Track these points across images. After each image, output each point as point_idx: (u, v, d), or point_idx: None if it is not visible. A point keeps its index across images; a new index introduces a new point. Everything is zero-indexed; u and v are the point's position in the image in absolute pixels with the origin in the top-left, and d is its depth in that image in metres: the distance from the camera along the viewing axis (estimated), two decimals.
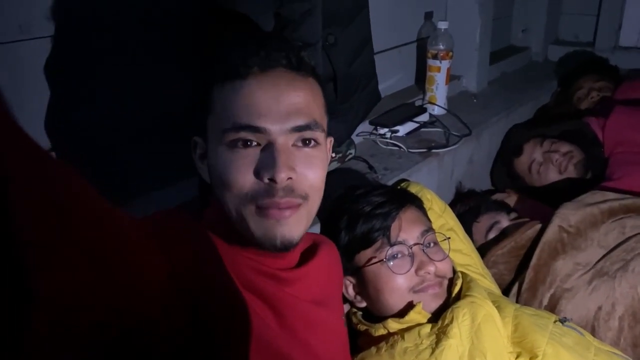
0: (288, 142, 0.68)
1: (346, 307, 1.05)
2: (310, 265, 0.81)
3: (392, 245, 0.99)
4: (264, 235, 0.68)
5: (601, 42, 2.64)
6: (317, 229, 1.10)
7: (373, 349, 0.98)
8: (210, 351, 0.64)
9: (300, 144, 0.69)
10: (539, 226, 1.43)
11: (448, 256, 1.04)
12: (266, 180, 0.66)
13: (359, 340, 1.05)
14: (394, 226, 1.00)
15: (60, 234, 0.36)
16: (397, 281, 0.98)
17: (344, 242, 1.01)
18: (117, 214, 0.45)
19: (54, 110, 0.98)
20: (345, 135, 1.36)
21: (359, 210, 1.02)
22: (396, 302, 0.99)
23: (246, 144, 0.67)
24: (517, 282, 1.37)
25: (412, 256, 0.99)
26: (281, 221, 0.67)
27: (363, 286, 1.02)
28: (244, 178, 0.66)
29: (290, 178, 0.67)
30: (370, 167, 1.41)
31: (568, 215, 1.38)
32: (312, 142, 0.70)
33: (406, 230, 1.00)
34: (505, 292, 1.38)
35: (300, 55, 0.71)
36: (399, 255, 0.99)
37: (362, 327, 1.04)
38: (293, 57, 0.70)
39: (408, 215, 1.02)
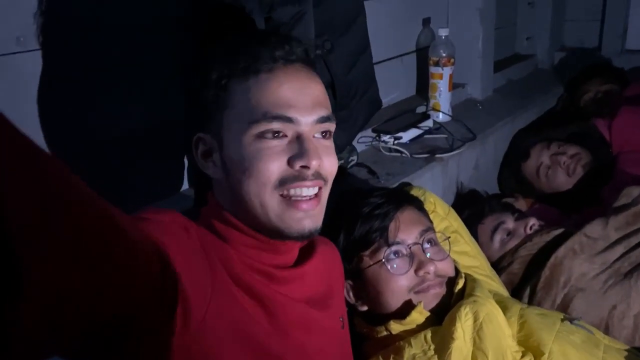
0: (312, 133, 0.72)
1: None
2: (307, 266, 0.80)
3: (390, 245, 0.98)
4: (290, 225, 0.71)
5: (607, 46, 2.62)
6: None
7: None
8: (200, 347, 0.64)
9: (319, 135, 0.73)
10: (560, 231, 1.40)
11: (449, 256, 1.02)
12: (297, 168, 0.69)
13: (364, 344, 1.03)
14: (392, 226, 0.99)
15: (50, 225, 0.36)
16: (397, 282, 0.97)
17: (343, 245, 1.00)
18: (110, 208, 0.45)
19: (53, 123, 1.00)
20: (345, 142, 1.35)
21: (357, 212, 1.01)
22: (397, 303, 0.98)
23: (275, 134, 0.70)
24: (531, 282, 1.34)
25: (411, 256, 0.98)
26: (309, 212, 0.71)
27: (364, 289, 1.01)
28: (274, 165, 0.69)
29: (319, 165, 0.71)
30: (372, 173, 1.41)
31: (595, 226, 1.36)
32: (328, 134, 0.74)
33: (404, 230, 0.99)
34: (518, 292, 1.35)
35: (312, 52, 0.75)
36: (398, 256, 0.98)
37: (364, 330, 1.03)
38: (310, 53, 0.74)
39: (406, 215, 1.01)
